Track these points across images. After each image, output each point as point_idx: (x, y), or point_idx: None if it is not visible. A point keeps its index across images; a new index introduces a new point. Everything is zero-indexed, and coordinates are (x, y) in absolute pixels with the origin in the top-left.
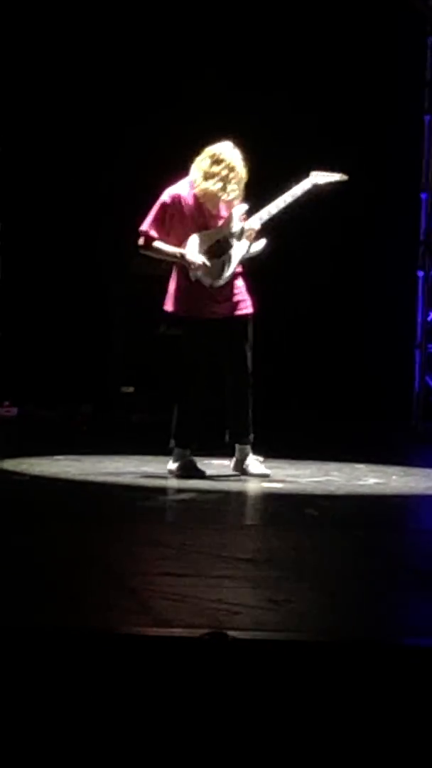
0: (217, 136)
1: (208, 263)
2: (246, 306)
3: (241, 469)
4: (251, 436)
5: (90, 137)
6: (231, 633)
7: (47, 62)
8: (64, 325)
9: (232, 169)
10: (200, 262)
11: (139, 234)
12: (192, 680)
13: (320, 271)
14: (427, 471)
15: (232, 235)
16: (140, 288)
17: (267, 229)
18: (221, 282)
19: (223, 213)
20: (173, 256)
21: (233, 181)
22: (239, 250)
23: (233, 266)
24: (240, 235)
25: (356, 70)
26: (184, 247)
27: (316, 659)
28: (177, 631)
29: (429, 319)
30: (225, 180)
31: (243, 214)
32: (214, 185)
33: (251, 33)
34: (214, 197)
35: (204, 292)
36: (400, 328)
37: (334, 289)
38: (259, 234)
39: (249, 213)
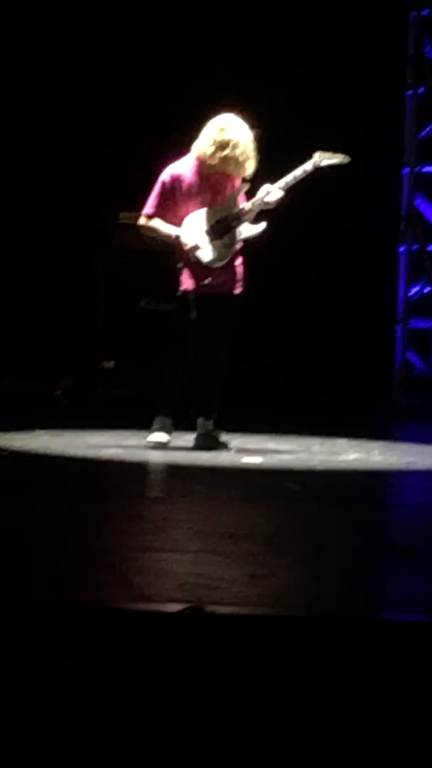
0: (202, 117)
1: (200, 245)
2: (239, 286)
3: (202, 444)
4: (215, 413)
5: (73, 113)
6: (211, 608)
7: (26, 46)
8: (44, 298)
9: (234, 138)
10: (192, 244)
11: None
12: (171, 655)
13: (302, 247)
14: (408, 446)
15: (233, 215)
16: (122, 262)
17: (264, 212)
18: (221, 263)
19: (229, 188)
20: (168, 237)
21: (235, 150)
22: (240, 231)
23: (234, 247)
24: (241, 216)
25: (336, 45)
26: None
27: (295, 634)
28: (156, 606)
29: (410, 294)
30: (225, 148)
31: (243, 195)
32: (215, 151)
33: (231, 11)
34: (216, 165)
35: (198, 267)
36: (383, 303)
37: (317, 265)
38: (258, 216)
39: (248, 194)
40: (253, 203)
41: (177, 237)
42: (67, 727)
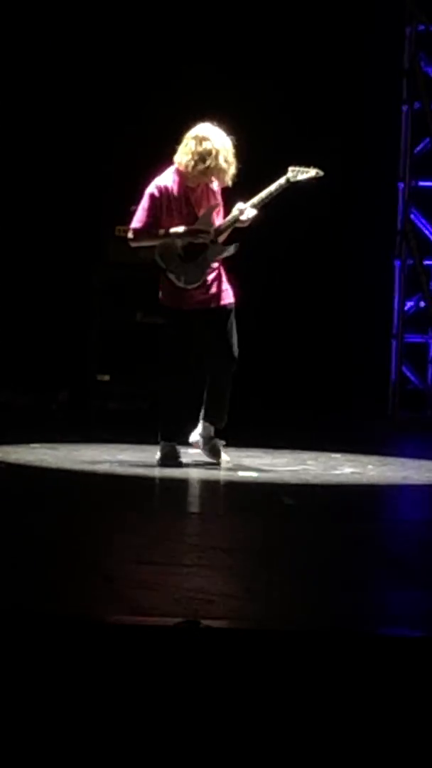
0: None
1: (206, 228)
2: (227, 296)
3: (201, 446)
4: (222, 423)
5: (71, 127)
6: (205, 622)
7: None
8: (41, 312)
9: (222, 145)
10: (201, 227)
11: (130, 231)
12: (165, 668)
13: (298, 261)
14: (403, 460)
15: (206, 235)
16: (118, 275)
17: (237, 229)
18: (194, 285)
19: (211, 200)
20: (172, 235)
21: (225, 156)
22: (213, 252)
23: (207, 268)
24: (214, 237)
25: (333, 59)
26: None
27: (289, 649)
28: (151, 620)
29: (406, 308)
30: (219, 155)
31: (217, 212)
32: (212, 163)
33: (226, 22)
34: (197, 175)
35: (178, 287)
36: (378, 317)
37: (312, 279)
38: (232, 234)
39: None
40: (227, 221)
41: (185, 230)
42: (62, 739)
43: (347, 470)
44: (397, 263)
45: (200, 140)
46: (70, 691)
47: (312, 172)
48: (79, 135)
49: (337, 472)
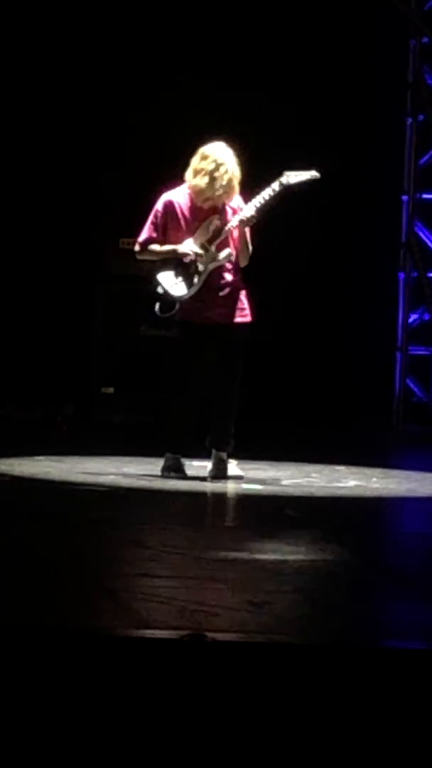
0: (199, 139)
1: (200, 251)
2: (243, 315)
3: (215, 475)
4: (230, 445)
5: (75, 138)
6: (210, 635)
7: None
8: (45, 325)
9: (219, 165)
10: (191, 252)
11: (136, 244)
12: (171, 682)
13: (302, 273)
14: (407, 473)
15: (200, 244)
16: (121, 288)
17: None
18: (192, 292)
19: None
20: (167, 253)
21: (220, 177)
22: (205, 260)
23: (202, 277)
24: (207, 245)
25: (337, 72)
26: None
27: (294, 662)
28: (156, 633)
29: (410, 321)
30: (211, 175)
31: (215, 227)
32: (200, 180)
33: (233, 34)
34: (202, 193)
35: (200, 297)
36: (382, 330)
37: (316, 292)
38: (223, 242)
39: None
40: (235, 221)
41: (175, 250)
42: (69, 753)
43: (351, 483)
44: (401, 276)
45: (202, 158)
46: (76, 705)
47: (308, 175)
48: (83, 147)
49: (341, 484)
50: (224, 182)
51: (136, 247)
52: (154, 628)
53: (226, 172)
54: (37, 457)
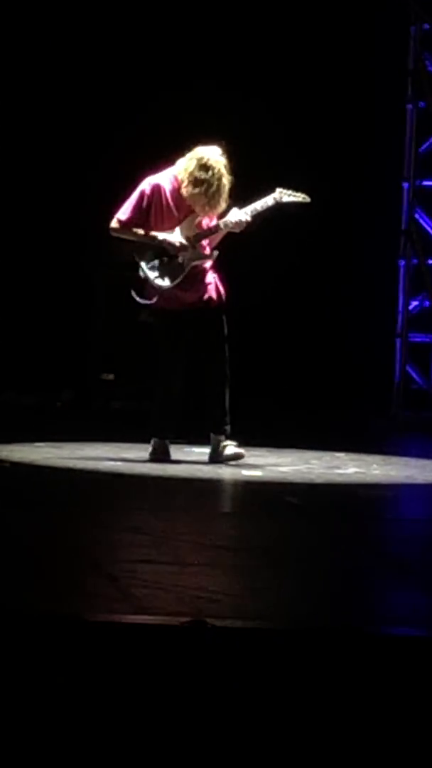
0: (199, 133)
1: (185, 244)
2: (217, 297)
3: (215, 459)
4: (227, 427)
5: (73, 127)
6: (210, 621)
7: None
8: (44, 311)
9: (219, 179)
10: (178, 243)
11: (114, 219)
12: (172, 668)
13: (302, 260)
14: (407, 460)
15: (188, 240)
16: (121, 275)
17: (232, 235)
18: (168, 286)
19: (205, 221)
20: (151, 239)
21: (220, 191)
22: (189, 257)
23: (183, 272)
24: (195, 243)
25: (337, 59)
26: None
27: (294, 647)
28: (157, 619)
29: (410, 308)
30: (212, 188)
31: (199, 222)
32: (202, 193)
33: (232, 27)
34: (202, 205)
35: (176, 285)
36: (382, 317)
37: (316, 279)
38: (225, 238)
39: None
40: (223, 223)
41: (162, 240)
42: (68, 741)
43: (351, 469)
44: (401, 263)
45: (201, 167)
46: (75, 692)
47: (299, 197)
48: (81, 135)
49: (341, 471)
50: (224, 195)
51: (114, 224)
52: (154, 614)
53: (225, 185)
54: (36, 444)
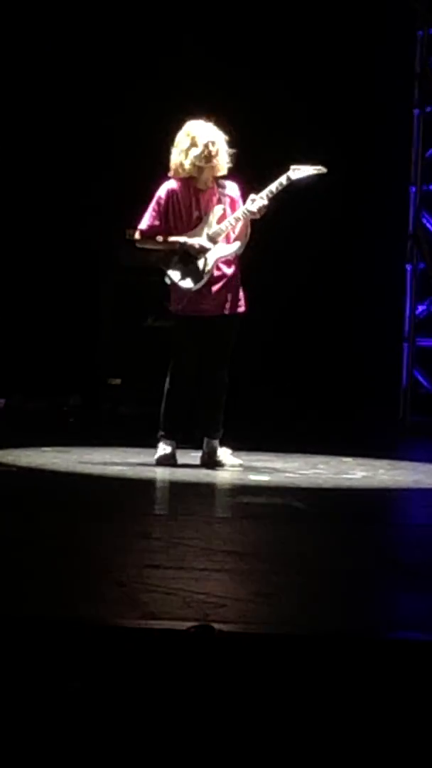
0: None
1: (206, 245)
2: (238, 306)
3: (208, 462)
4: (220, 432)
5: (82, 132)
6: (217, 626)
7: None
8: (52, 316)
9: (193, 138)
10: (198, 245)
11: (136, 231)
12: (178, 673)
13: (309, 264)
14: (415, 464)
15: (208, 237)
16: (129, 280)
17: (252, 223)
18: (198, 286)
19: (222, 202)
20: (173, 244)
21: (194, 148)
22: (216, 252)
23: (210, 268)
24: (215, 238)
25: (344, 63)
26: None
27: (301, 653)
28: (164, 624)
29: (417, 312)
30: (186, 148)
31: (222, 216)
32: (177, 155)
33: (240, 24)
34: (180, 167)
35: (198, 290)
36: (389, 321)
37: (323, 283)
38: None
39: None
40: (242, 212)
41: (183, 243)
42: (73, 744)
43: (358, 474)
44: (408, 267)
45: (185, 135)
46: (83, 696)
47: (314, 169)
48: (89, 138)
49: (349, 475)
50: (211, 154)
51: (137, 235)
52: (161, 619)
53: (209, 144)
54: (44, 448)
